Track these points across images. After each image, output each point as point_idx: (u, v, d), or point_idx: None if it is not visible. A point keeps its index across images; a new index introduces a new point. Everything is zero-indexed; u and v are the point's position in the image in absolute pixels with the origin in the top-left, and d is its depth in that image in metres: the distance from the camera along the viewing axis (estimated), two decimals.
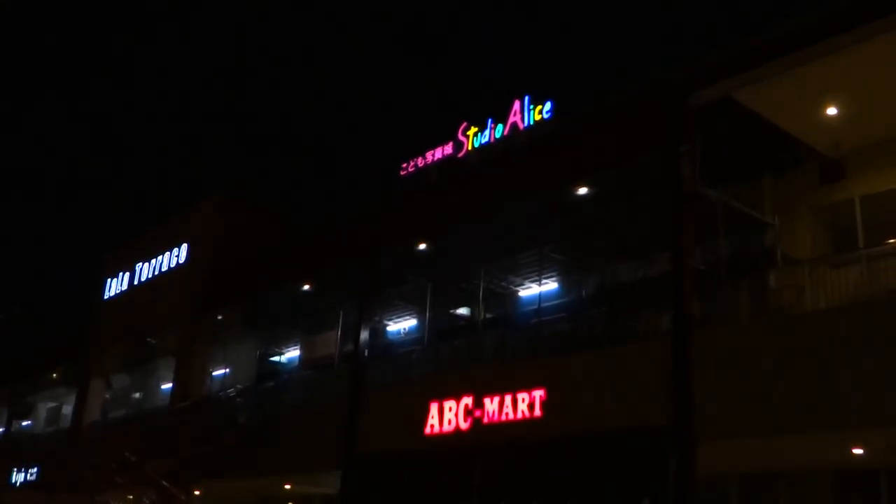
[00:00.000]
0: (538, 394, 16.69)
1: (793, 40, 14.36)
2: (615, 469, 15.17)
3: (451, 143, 22.45)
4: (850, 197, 16.36)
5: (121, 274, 35.91)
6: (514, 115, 20.99)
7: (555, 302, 22.27)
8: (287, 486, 25.56)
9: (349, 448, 20.69)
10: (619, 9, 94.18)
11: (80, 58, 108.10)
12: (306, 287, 25.93)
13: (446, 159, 22.50)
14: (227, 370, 31.74)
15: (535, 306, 21.37)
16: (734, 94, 15.15)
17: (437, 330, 24.58)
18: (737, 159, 16.69)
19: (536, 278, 22.04)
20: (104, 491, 27.51)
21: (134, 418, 34.40)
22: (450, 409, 18.41)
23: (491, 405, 17.53)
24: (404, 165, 23.62)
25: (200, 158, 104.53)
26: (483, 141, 21.66)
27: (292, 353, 32.12)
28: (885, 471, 14.54)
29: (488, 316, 24.04)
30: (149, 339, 33.03)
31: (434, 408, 18.72)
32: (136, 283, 34.70)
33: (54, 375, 40.21)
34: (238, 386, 29.65)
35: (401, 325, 28.16)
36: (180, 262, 32.00)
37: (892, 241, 15.17)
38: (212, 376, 32.33)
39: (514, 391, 17.12)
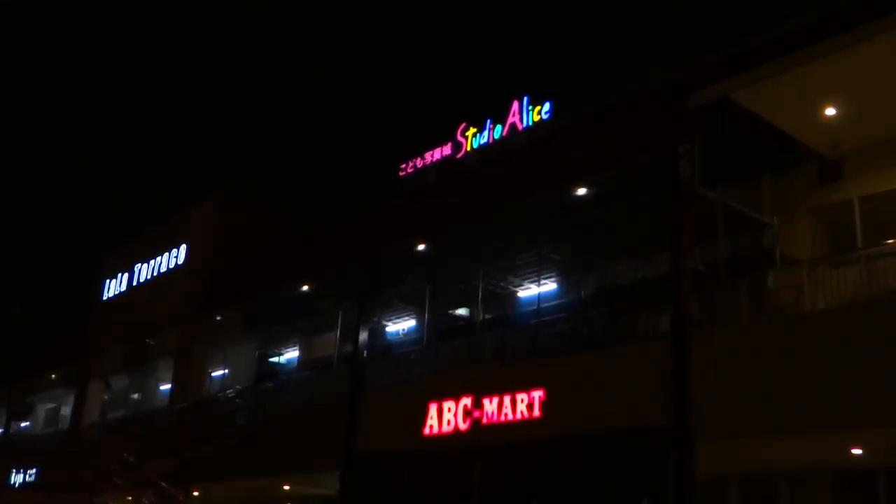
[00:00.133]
0: (537, 394, 16.69)
1: (792, 41, 14.37)
2: (614, 469, 15.17)
3: (449, 144, 22.45)
4: (849, 197, 16.36)
5: (120, 274, 35.89)
6: (513, 115, 21.00)
7: (554, 302, 22.27)
8: (286, 487, 25.55)
9: (348, 449, 20.68)
10: (618, 9, 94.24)
11: (80, 58, 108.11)
12: (305, 287, 25.93)
13: (445, 160, 22.50)
14: (227, 371, 31.75)
15: (535, 307, 21.37)
16: (733, 95, 15.15)
17: (437, 330, 24.58)
18: (736, 160, 16.70)
19: (535, 279, 22.04)
20: (103, 492, 27.50)
21: (133, 419, 34.37)
22: (449, 410, 18.40)
23: (490, 406, 17.52)
24: (403, 166, 23.63)
25: (200, 158, 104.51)
26: (482, 142, 21.66)
27: (291, 354, 32.12)
28: (884, 471, 14.55)
29: (487, 316, 24.03)
30: (148, 340, 33.02)
31: (433, 408, 18.71)
32: (135, 283, 34.68)
33: (53, 376, 40.19)
34: (237, 387, 29.65)
35: (400, 325, 28.16)
36: (179, 262, 31.98)
37: (890, 241, 15.18)
38: (211, 377, 32.32)
39: (513, 392, 17.12)
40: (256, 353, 32.12)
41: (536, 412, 16.61)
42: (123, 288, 35.46)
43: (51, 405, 45.24)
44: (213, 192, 33.06)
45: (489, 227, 20.29)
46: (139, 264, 34.49)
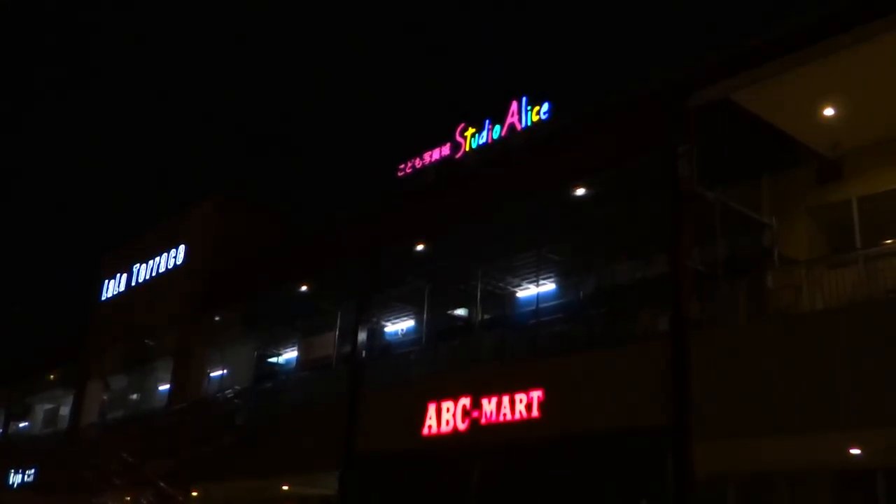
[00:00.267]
0: (536, 394, 16.69)
1: (792, 41, 14.38)
2: (613, 469, 15.17)
3: (448, 144, 22.45)
4: (848, 197, 16.37)
5: (119, 275, 35.88)
6: (512, 115, 20.99)
7: (553, 303, 22.28)
8: (285, 487, 25.55)
9: (347, 449, 20.67)
10: (617, 9, 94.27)
11: (80, 58, 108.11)
12: (304, 287, 25.93)
13: (444, 160, 22.49)
14: (225, 371, 31.74)
15: (534, 307, 21.37)
16: (733, 95, 15.16)
17: (436, 330, 24.58)
18: (735, 160, 16.70)
19: (534, 279, 22.03)
20: (102, 492, 27.49)
21: (132, 419, 34.36)
22: (448, 410, 18.40)
23: (489, 406, 17.52)
24: (402, 166, 23.63)
25: (200, 158, 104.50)
26: (481, 142, 21.66)
27: (290, 354, 32.11)
28: (883, 471, 14.55)
29: (486, 317, 24.04)
30: (147, 340, 33.00)
31: (432, 408, 18.71)
32: (134, 283, 34.68)
33: (52, 377, 40.19)
34: (236, 387, 29.64)
35: (399, 325, 28.17)
36: (178, 262, 31.98)
37: (889, 241, 15.18)
38: (210, 377, 32.32)
39: (512, 392, 17.12)
40: (255, 353, 32.13)
41: (535, 412, 16.61)
42: (122, 288, 35.46)
43: (49, 405, 45.22)
44: (213, 192, 33.07)
45: (488, 227, 20.30)
46: (138, 264, 34.49)
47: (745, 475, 16.28)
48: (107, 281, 36.81)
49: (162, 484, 25.30)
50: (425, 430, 18.72)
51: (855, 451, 13.85)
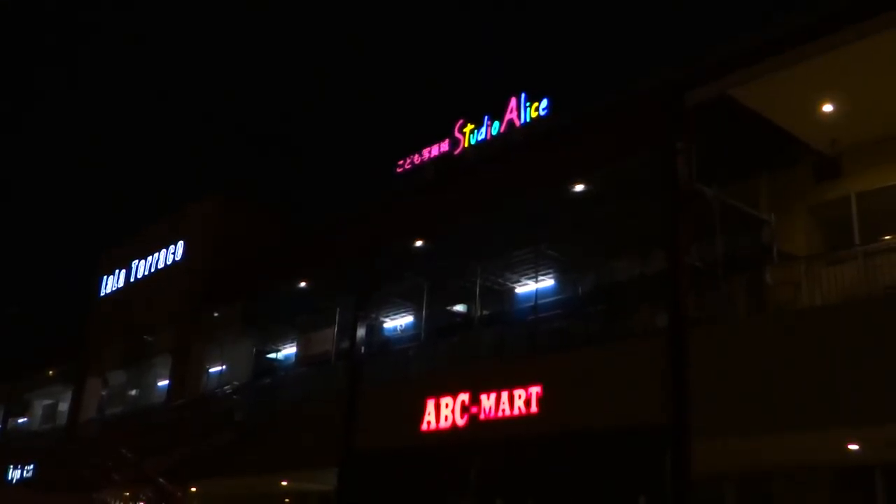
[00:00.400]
0: (535, 390, 16.71)
1: (789, 38, 14.38)
2: (612, 466, 15.19)
3: (447, 141, 22.45)
4: (846, 194, 16.38)
5: (118, 271, 35.87)
6: (511, 112, 20.99)
7: (551, 299, 22.28)
8: (284, 483, 25.58)
9: (346, 445, 20.70)
10: (615, 7, 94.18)
11: (80, 58, 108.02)
12: (303, 284, 25.94)
13: (442, 156, 22.49)
14: (224, 367, 31.74)
15: (532, 303, 21.38)
16: (731, 92, 15.16)
17: (434, 327, 24.59)
18: (733, 157, 16.71)
19: (533, 275, 22.03)
20: (101, 488, 27.49)
21: (131, 415, 34.37)
22: (446, 406, 18.42)
23: (487, 402, 17.54)
24: (401, 163, 23.63)
25: (200, 158, 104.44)
26: (479, 138, 21.66)
27: (289, 350, 32.12)
28: (881, 467, 14.58)
29: (485, 313, 24.06)
30: (146, 337, 33.01)
31: (431, 404, 18.72)
32: (132, 280, 34.68)
33: (51, 373, 40.18)
34: (235, 383, 29.65)
35: (397, 321, 28.17)
36: (177, 259, 31.98)
37: (887, 237, 15.21)
38: (208, 373, 32.34)
39: (510, 388, 17.14)
40: (254, 349, 32.13)
41: (534, 408, 16.63)
42: (121, 285, 35.46)
43: (48, 401, 45.23)
44: (213, 191, 33.07)
45: (487, 223, 20.30)
46: (137, 261, 34.49)
47: (743, 472, 16.31)
48: (105, 277, 36.81)
49: (161, 480, 25.31)
50: (424, 426, 18.74)
51: (853, 448, 13.87)
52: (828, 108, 15.31)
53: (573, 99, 21.21)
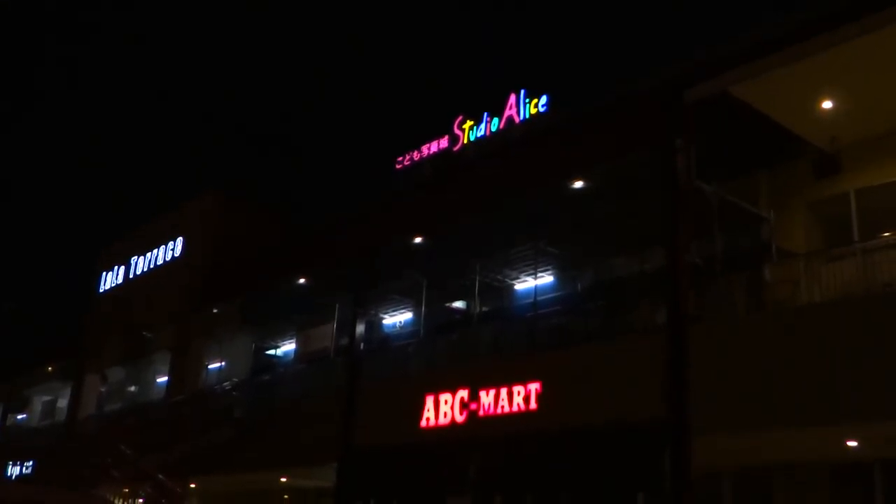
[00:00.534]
0: (534, 387, 16.71)
1: (789, 35, 14.38)
2: (611, 463, 15.21)
3: (446, 137, 22.44)
4: (846, 191, 16.38)
5: (117, 268, 35.87)
6: (510, 108, 20.99)
7: (551, 295, 22.29)
8: (283, 480, 25.59)
9: (345, 441, 20.70)
10: (615, 4, 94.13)
11: (80, 58, 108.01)
12: (302, 281, 25.94)
13: (442, 153, 22.49)
14: (223, 363, 31.75)
15: (531, 300, 21.37)
16: (730, 89, 15.13)
17: (434, 323, 24.59)
18: (733, 154, 16.70)
19: (532, 272, 22.03)
20: (100, 485, 27.52)
21: (130, 412, 34.40)
22: (445, 402, 18.42)
23: (487, 398, 17.55)
24: (400, 159, 23.62)
25: (200, 158, 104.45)
26: (479, 135, 21.65)
27: (288, 347, 32.12)
28: (880, 463, 14.59)
29: (484, 309, 24.06)
30: (145, 333, 33.03)
31: (430, 401, 18.73)
32: (132, 276, 34.67)
33: (50, 369, 40.18)
34: (234, 379, 29.67)
35: (397, 318, 28.18)
36: (176, 255, 31.97)
37: (887, 234, 15.21)
38: (207, 370, 32.35)
39: (509, 384, 17.14)
40: (253, 345, 32.13)
41: (533, 405, 16.63)
42: (120, 281, 35.46)
43: (47, 398, 45.24)
44: (213, 189, 33.03)
45: (486, 220, 20.28)
46: (136, 257, 34.48)
47: (742, 469, 16.32)
48: (104, 274, 36.80)
49: (160, 476, 25.34)
50: (423, 423, 18.75)
51: (852, 444, 13.89)
52: (827, 104, 15.30)
53: (572, 96, 21.25)
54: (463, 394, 18.10)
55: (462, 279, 23.22)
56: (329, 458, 20.96)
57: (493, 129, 21.33)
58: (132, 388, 38.34)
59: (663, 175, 15.55)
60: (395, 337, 27.20)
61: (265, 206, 34.73)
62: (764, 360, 13.50)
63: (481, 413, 17.60)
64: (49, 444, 36.16)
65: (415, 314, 26.36)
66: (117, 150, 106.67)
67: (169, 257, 32.37)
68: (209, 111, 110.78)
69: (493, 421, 17.28)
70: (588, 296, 20.94)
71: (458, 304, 25.82)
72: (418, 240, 21.83)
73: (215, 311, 29.51)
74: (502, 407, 17.21)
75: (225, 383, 29.60)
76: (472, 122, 21.95)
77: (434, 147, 22.76)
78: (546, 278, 22.78)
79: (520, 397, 16.91)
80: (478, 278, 22.45)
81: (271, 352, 33.04)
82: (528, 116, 20.62)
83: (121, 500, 26.72)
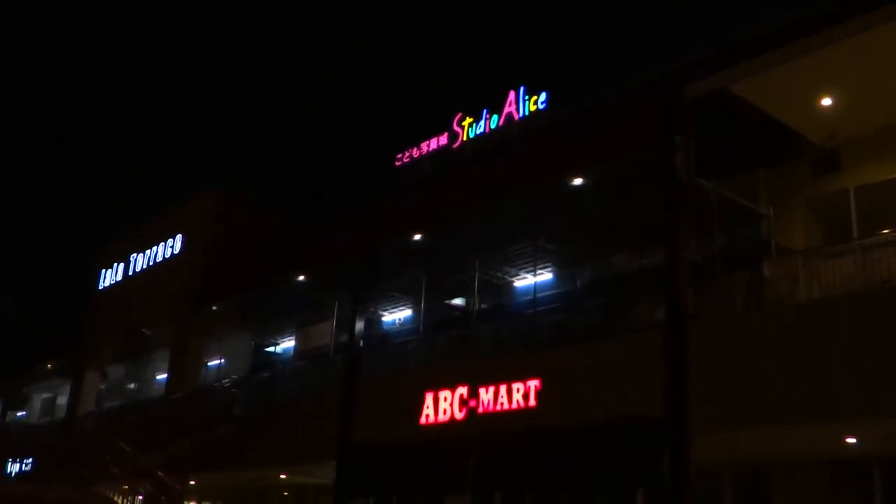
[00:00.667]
0: (533, 384, 16.71)
1: (788, 31, 14.36)
2: (610, 460, 15.21)
3: (445, 134, 22.43)
4: (845, 187, 16.37)
5: (116, 265, 35.88)
6: (509, 105, 20.98)
7: (550, 293, 22.30)
8: (282, 477, 25.60)
9: (344, 438, 20.71)
10: (614, 1, 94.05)
11: (80, 58, 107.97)
12: (301, 278, 25.94)
13: (441, 150, 22.47)
14: (223, 361, 31.77)
15: (531, 297, 21.38)
16: (730, 86, 15.12)
17: (433, 320, 24.59)
18: (732, 151, 16.69)
19: (531, 269, 22.05)
20: (100, 482, 27.51)
21: (129, 409, 34.41)
22: (445, 399, 18.43)
23: (486, 395, 17.55)
24: (399, 156, 23.61)
25: (200, 158, 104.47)
26: (478, 132, 21.63)
27: (287, 344, 32.13)
28: (879, 460, 14.60)
29: (483, 306, 24.06)
30: (144, 330, 33.03)
31: (429, 398, 18.74)
32: (131, 274, 34.67)
33: (49, 366, 40.20)
34: (233, 376, 29.67)
35: (396, 315, 28.19)
36: (176, 253, 31.97)
37: (886, 231, 15.20)
38: (207, 367, 32.36)
39: (508, 381, 17.14)
40: (252, 343, 32.15)
41: (532, 402, 16.64)
42: (119, 279, 35.46)
43: (46, 395, 45.25)
44: (212, 188, 33.03)
45: (485, 217, 20.27)
46: (135, 255, 34.48)
47: (741, 465, 16.33)
48: (104, 271, 36.80)
49: (160, 473, 25.34)
50: (423, 420, 18.76)
51: (851, 441, 13.89)
52: (827, 101, 15.29)
53: (572, 93, 21.23)
54: (462, 391, 18.11)
55: (461, 276, 23.23)
56: (328, 454, 20.96)
57: (493, 126, 21.32)
58: (132, 386, 38.36)
59: (663, 172, 15.54)
60: (394, 334, 27.21)
61: (265, 204, 34.76)
62: (763, 358, 13.50)
63: (480, 410, 17.61)
64: (48, 442, 36.18)
65: (414, 311, 26.37)
66: (117, 150, 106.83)
67: (168, 255, 32.37)
68: (209, 111, 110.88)
69: (493, 418, 17.29)
70: (587, 293, 20.94)
71: (458, 302, 25.82)
72: (418, 237, 21.83)
73: (215, 308, 29.52)
74: (502, 404, 17.21)
75: (224, 380, 29.59)
76: (471, 120, 21.94)
77: (433, 144, 22.76)
78: (545, 275, 22.78)
79: (519, 394, 16.91)
80: (477, 275, 22.44)
81: (271, 349, 33.06)
82: (527, 114, 20.61)
83: (120, 497, 26.70)
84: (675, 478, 13.80)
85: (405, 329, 26.98)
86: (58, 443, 34.71)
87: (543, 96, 20.47)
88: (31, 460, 35.43)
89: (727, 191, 16.15)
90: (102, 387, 37.55)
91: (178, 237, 31.90)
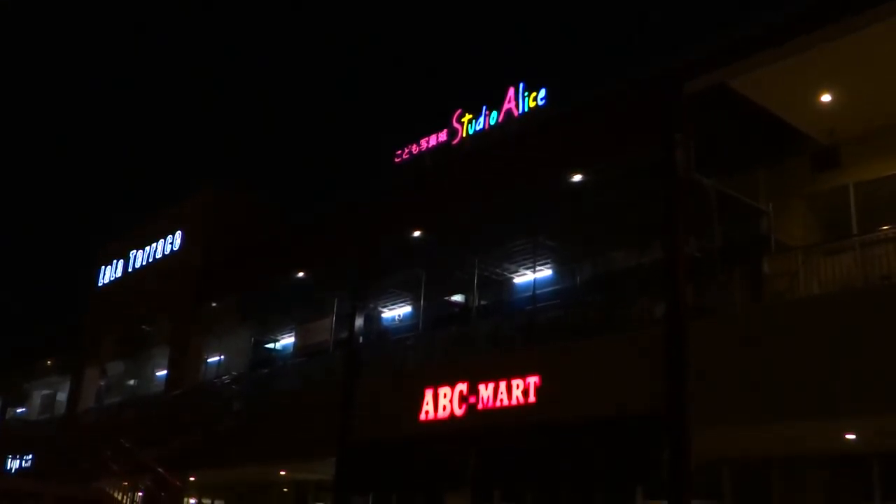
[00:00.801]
0: (532, 380, 16.73)
1: (788, 28, 14.35)
2: (610, 456, 15.23)
3: (445, 130, 22.41)
4: (845, 184, 16.37)
5: (116, 262, 35.87)
6: (509, 101, 20.94)
7: (549, 289, 22.30)
8: (282, 473, 25.62)
9: (344, 434, 20.72)
10: None
11: (81, 58, 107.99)
12: (301, 274, 25.94)
13: (440, 146, 22.46)
14: (222, 357, 31.78)
15: (530, 293, 21.39)
16: (730, 82, 15.13)
17: (432, 317, 24.59)
18: (731, 147, 16.70)
19: (531, 265, 22.05)
20: (99, 478, 27.56)
21: (129, 405, 34.43)
22: (444, 396, 18.44)
23: (485, 391, 17.56)
24: (399, 152, 23.59)
25: (200, 158, 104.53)
26: (478, 128, 21.61)
27: (287, 340, 32.15)
28: (878, 456, 14.61)
29: (483, 303, 24.07)
30: (144, 327, 33.06)
31: (429, 394, 18.75)
32: (130, 270, 34.67)
33: (49, 363, 40.22)
34: (233, 373, 29.70)
35: (396, 311, 28.19)
36: (175, 249, 31.97)
37: (885, 227, 15.19)
38: (206, 363, 32.37)
39: (508, 377, 17.16)
40: (252, 339, 32.16)
41: (532, 398, 16.65)
42: (119, 275, 35.46)
43: (46, 391, 45.26)
44: (212, 184, 33.02)
45: (485, 213, 20.28)
46: (135, 251, 34.48)
47: (740, 461, 16.35)
48: (104, 268, 36.80)
49: (159, 469, 25.37)
50: (422, 416, 18.77)
51: (851, 437, 13.91)
52: (826, 98, 15.30)
53: (571, 90, 21.21)
54: (462, 387, 18.12)
55: (461, 272, 23.23)
56: (328, 451, 20.98)
57: (492, 122, 21.29)
58: (131, 382, 38.39)
59: (662, 169, 15.54)
60: (394, 330, 27.22)
61: (264, 200, 34.75)
62: (762, 353, 13.51)
63: (480, 406, 17.62)
64: (48, 438, 36.21)
65: (414, 307, 26.38)
66: (117, 150, 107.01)
67: (168, 251, 32.36)
68: (209, 111, 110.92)
69: (492, 414, 17.31)
70: (587, 289, 20.95)
71: (457, 298, 25.83)
72: (417, 233, 21.83)
73: (214, 304, 29.53)
74: (501, 400, 17.22)
75: (224, 377, 29.62)
76: (470, 116, 21.90)
77: (433, 140, 22.73)
78: (545, 272, 22.79)
79: (519, 390, 16.92)
80: (476, 272, 22.46)
81: (270, 345, 33.07)
82: (526, 110, 20.58)
83: (120, 493, 26.75)
84: (675, 472, 13.83)
85: (405, 325, 26.99)
86: (58, 439, 34.74)
87: (543, 93, 20.44)
88: (31, 456, 35.49)
89: (726, 187, 16.16)
90: (102, 383, 37.56)
91: (178, 234, 31.89)
